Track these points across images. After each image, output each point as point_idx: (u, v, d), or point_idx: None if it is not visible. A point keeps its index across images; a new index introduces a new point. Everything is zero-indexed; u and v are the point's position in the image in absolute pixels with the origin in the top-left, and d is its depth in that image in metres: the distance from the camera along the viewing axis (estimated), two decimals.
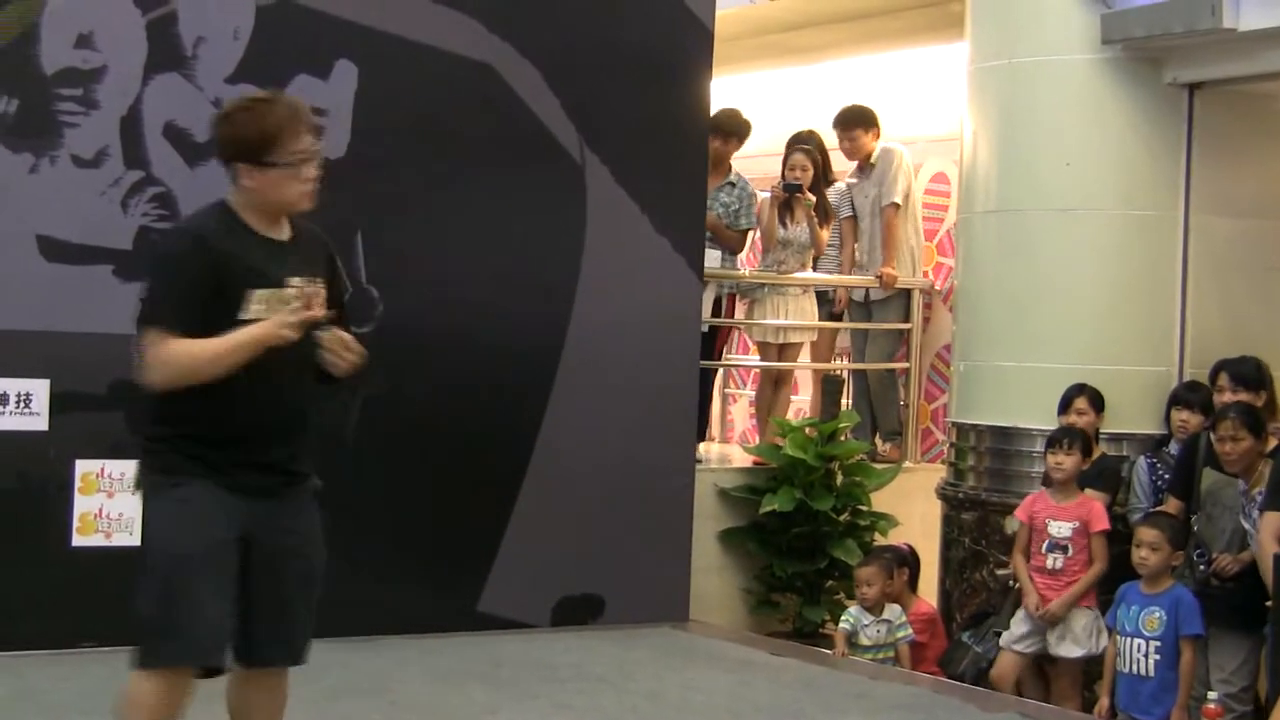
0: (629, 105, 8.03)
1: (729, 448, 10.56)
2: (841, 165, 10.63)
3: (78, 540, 6.98)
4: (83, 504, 6.98)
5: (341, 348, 4.51)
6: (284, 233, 4.60)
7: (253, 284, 4.44)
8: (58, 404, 6.89)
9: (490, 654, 7.34)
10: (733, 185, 9.85)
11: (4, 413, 6.80)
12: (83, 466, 6.97)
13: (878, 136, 10.38)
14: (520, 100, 7.77)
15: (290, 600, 4.63)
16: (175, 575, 4.43)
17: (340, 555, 7.30)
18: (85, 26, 6.87)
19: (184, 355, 4.39)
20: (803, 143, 10.14)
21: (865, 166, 10.40)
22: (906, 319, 10.41)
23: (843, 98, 10.62)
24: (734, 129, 9.89)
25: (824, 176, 10.14)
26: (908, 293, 10.39)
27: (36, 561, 6.87)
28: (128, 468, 6.92)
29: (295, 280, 4.43)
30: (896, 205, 10.22)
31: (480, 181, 7.71)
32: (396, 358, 7.49)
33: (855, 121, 10.36)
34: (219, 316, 4.40)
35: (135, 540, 6.94)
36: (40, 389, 6.86)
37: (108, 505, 7.02)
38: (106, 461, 7.00)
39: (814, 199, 9.92)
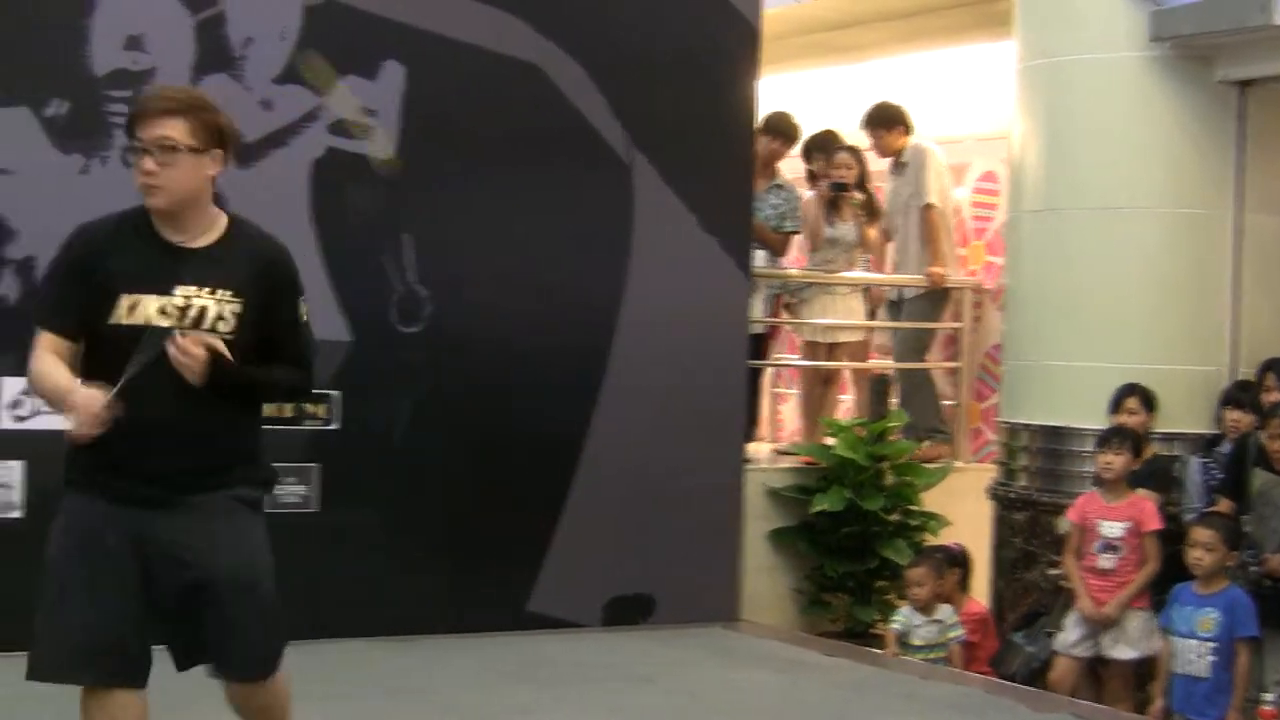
0: (675, 104, 8.02)
1: (778, 446, 10.51)
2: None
3: None
4: None
5: (182, 352, 4.06)
6: (198, 239, 4.23)
7: (126, 288, 4.16)
8: None
9: (540, 654, 7.34)
10: (780, 188, 9.83)
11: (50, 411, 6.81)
12: None
13: (907, 134, 10.32)
14: (566, 100, 7.77)
15: (191, 614, 4.25)
16: (50, 589, 4.22)
17: (391, 555, 7.42)
18: (135, 28, 6.91)
19: (32, 365, 4.23)
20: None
21: (897, 165, 10.35)
22: (935, 317, 10.35)
23: (889, 97, 10.57)
24: (785, 131, 9.88)
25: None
26: (938, 291, 10.32)
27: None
28: None
29: (181, 290, 4.15)
30: (932, 205, 10.18)
31: (527, 182, 7.71)
32: (445, 358, 7.51)
33: (878, 121, 10.31)
34: (94, 318, 4.18)
35: None
36: None
37: None
38: None
39: (861, 197, 9.88)
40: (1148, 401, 8.08)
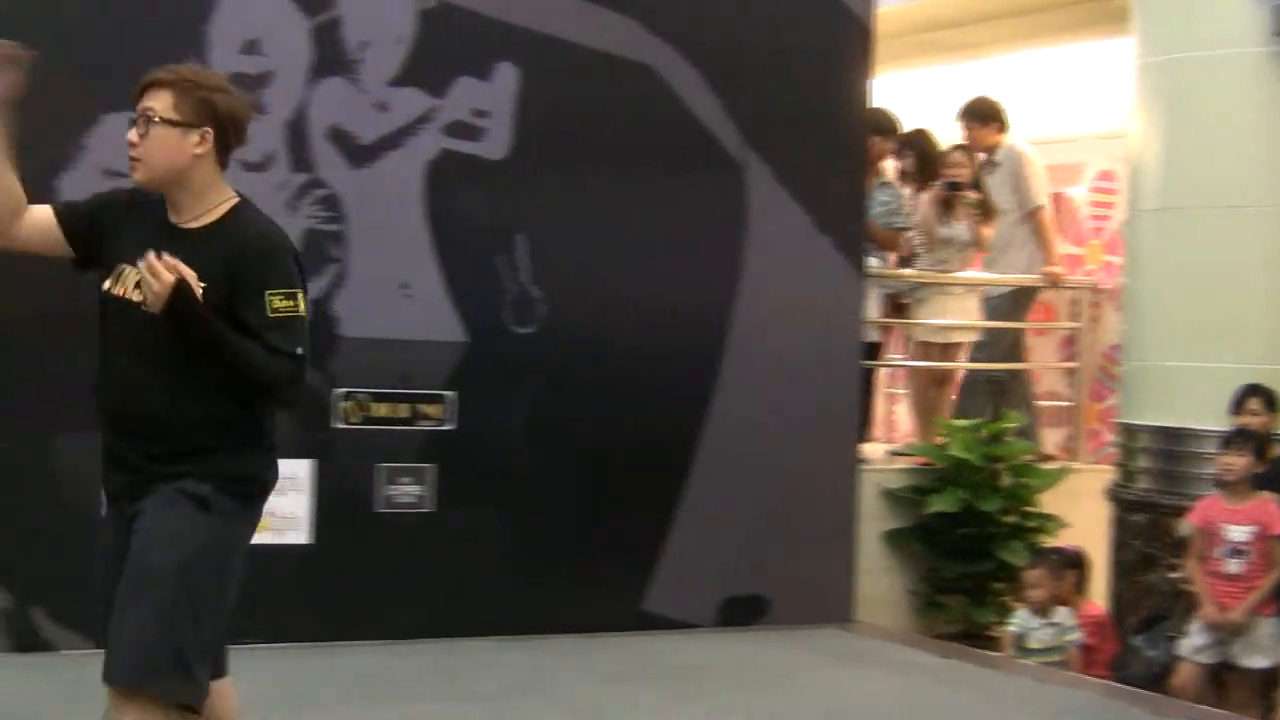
0: (789, 104, 7.99)
1: (893, 447, 10.44)
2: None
3: None
4: None
5: (150, 270, 3.90)
6: (197, 220, 4.12)
7: (118, 257, 4.12)
8: None
9: (653, 654, 7.34)
10: (887, 185, 9.77)
11: None
12: None
13: (1001, 132, 10.21)
14: (680, 101, 7.76)
15: (116, 605, 4.01)
16: None
17: (506, 555, 7.45)
18: (252, 32, 6.98)
19: None
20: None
21: (989, 164, 10.24)
22: (1018, 316, 10.23)
23: (1002, 94, 10.48)
24: (887, 127, 9.81)
25: (926, 174, 9.95)
26: (1023, 291, 10.19)
27: None
28: (297, 467, 7.07)
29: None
30: (1042, 207, 10.09)
31: (640, 182, 7.71)
32: (559, 359, 7.53)
33: (975, 114, 10.21)
34: (92, 249, 4.20)
35: (305, 538, 7.10)
36: None
37: (278, 503, 7.06)
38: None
39: (976, 196, 9.80)
40: (1270, 402, 7.94)
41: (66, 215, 4.25)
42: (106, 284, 4.12)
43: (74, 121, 6.69)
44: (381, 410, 7.30)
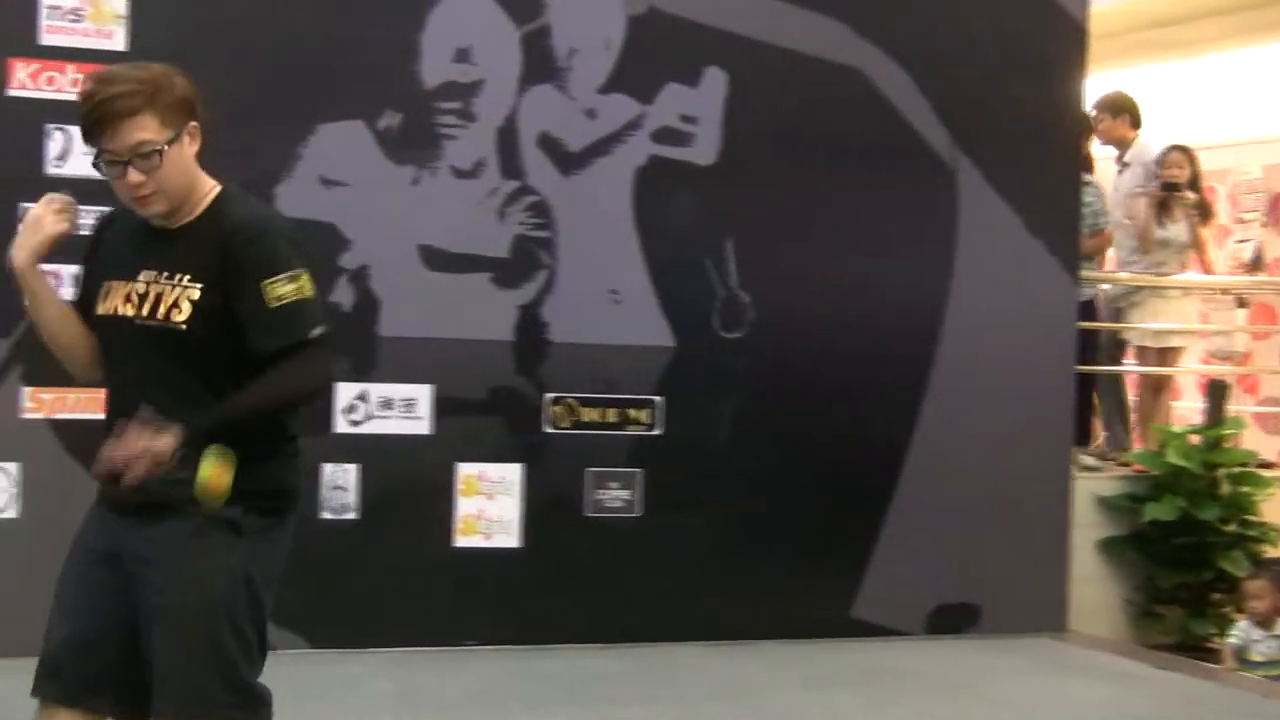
0: (1000, 105, 7.88)
1: (1108, 454, 10.23)
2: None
3: (459, 541, 7.16)
4: (464, 505, 7.16)
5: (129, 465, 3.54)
6: (182, 218, 3.75)
7: (105, 274, 3.78)
8: (440, 408, 7.09)
9: (862, 661, 7.28)
10: (1089, 184, 9.57)
11: (390, 416, 7.03)
12: (464, 469, 7.15)
13: (1134, 129, 9.92)
14: (888, 102, 7.70)
15: (163, 646, 3.68)
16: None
17: (713, 560, 7.44)
18: (463, 41, 7.06)
19: None
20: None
21: (1120, 162, 9.97)
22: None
23: (1222, 93, 10.23)
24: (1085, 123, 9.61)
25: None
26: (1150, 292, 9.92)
27: (421, 561, 7.08)
28: (507, 471, 7.14)
29: (145, 275, 3.69)
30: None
31: (849, 185, 7.66)
32: (767, 364, 7.51)
33: (1109, 106, 9.93)
34: (91, 299, 3.81)
35: (515, 542, 7.17)
36: (424, 394, 7.07)
37: (488, 507, 7.19)
38: (486, 465, 7.17)
39: (1194, 197, 9.58)
40: None
41: (80, 310, 3.87)
42: (97, 309, 3.77)
43: (291, 131, 6.83)
44: (590, 415, 7.34)
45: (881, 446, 7.73)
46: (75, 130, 6.42)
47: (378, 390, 7.03)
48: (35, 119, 6.52)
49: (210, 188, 3.77)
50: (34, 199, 6.50)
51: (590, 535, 7.32)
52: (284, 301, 3.64)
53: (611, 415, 7.36)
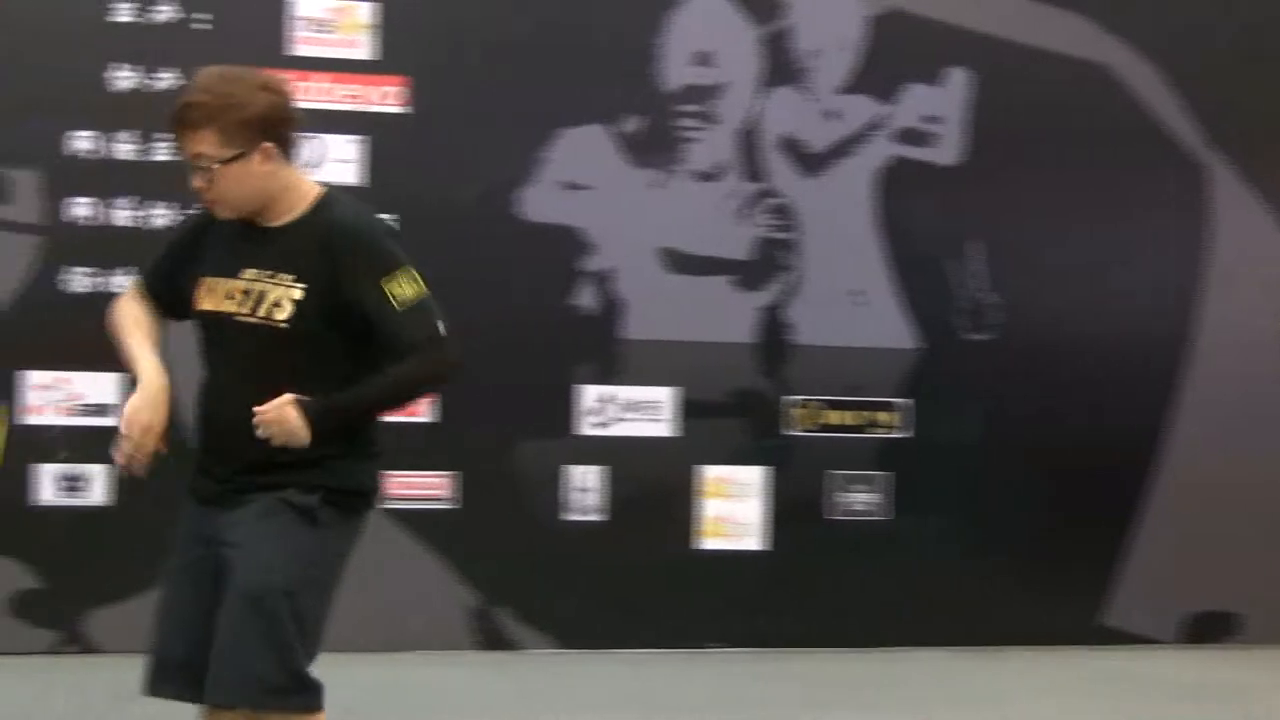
0: (1253, 101, 7.66)
1: None
2: None
3: (704, 544, 7.17)
4: (709, 508, 7.17)
5: (269, 425, 3.66)
6: (281, 219, 3.82)
7: (207, 271, 3.84)
8: (683, 410, 7.11)
9: (1114, 669, 7.11)
10: None
11: (635, 419, 7.07)
12: (707, 472, 7.17)
13: None
14: (1136, 100, 7.53)
15: (223, 624, 3.74)
16: None
17: (961, 565, 7.35)
18: (704, 45, 7.09)
19: (114, 314, 3.97)
20: None
21: None
22: None
23: None
24: None
25: None
26: None
27: (665, 563, 7.11)
28: (750, 474, 7.14)
29: (247, 274, 3.76)
30: None
31: (1097, 184, 7.51)
32: (1014, 366, 7.40)
33: None
34: (185, 294, 3.89)
35: (758, 545, 7.17)
36: (668, 396, 7.10)
37: (732, 510, 7.19)
38: (730, 467, 7.18)
39: None
40: None
41: (157, 293, 3.98)
42: (197, 304, 3.84)
43: (534, 137, 6.92)
44: (834, 418, 7.30)
45: (1130, 450, 7.56)
46: (326, 139, 6.67)
47: (622, 393, 7.08)
48: None
49: (310, 190, 3.83)
50: None
51: (833, 538, 7.29)
52: (407, 300, 3.71)
53: (855, 418, 7.32)
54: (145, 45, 6.47)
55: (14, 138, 6.44)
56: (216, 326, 3.80)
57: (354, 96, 6.75)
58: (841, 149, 7.24)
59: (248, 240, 3.80)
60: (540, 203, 6.95)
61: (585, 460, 7.07)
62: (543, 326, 6.98)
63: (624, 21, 7.02)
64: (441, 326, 3.75)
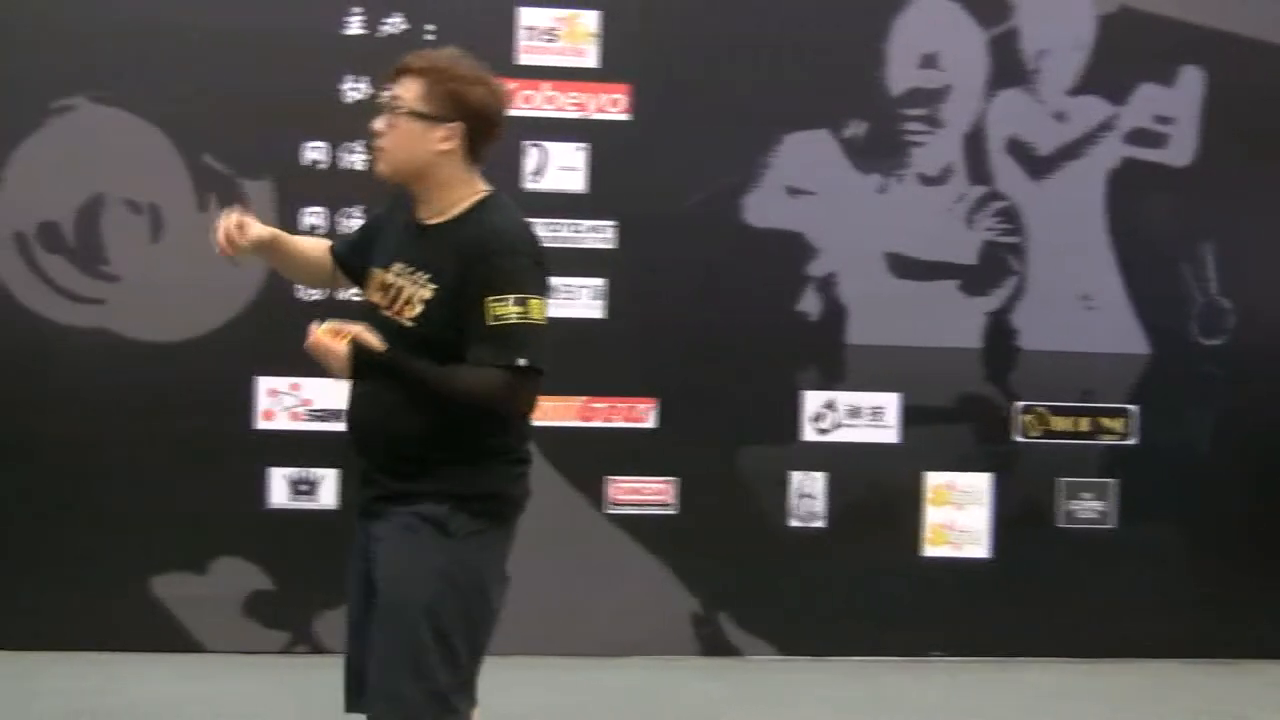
0: None
1: None
2: None
3: (928, 551, 7.11)
4: (933, 515, 7.11)
5: (317, 349, 3.66)
6: (439, 217, 3.81)
7: (373, 261, 3.91)
8: (908, 416, 7.06)
9: None
10: None
11: (857, 424, 7.03)
12: (933, 479, 7.10)
13: None
14: None
15: (372, 641, 3.78)
16: None
17: (1189, 574, 7.19)
18: (929, 47, 7.02)
19: None
20: None
21: None
22: None
23: None
24: None
25: None
26: None
27: (889, 570, 7.06)
28: (977, 480, 7.06)
29: (396, 267, 3.81)
30: None
31: None
32: (1249, 371, 7.23)
33: None
34: (350, 264, 4.05)
35: (985, 553, 7.08)
36: (891, 402, 7.05)
37: (957, 517, 7.11)
38: (956, 474, 7.10)
39: None
40: None
41: (337, 255, 4.10)
42: (364, 293, 3.94)
43: (758, 141, 6.91)
44: (1062, 424, 7.19)
45: None
46: (550, 147, 6.73)
47: (845, 398, 7.04)
48: (513, 136, 6.76)
49: (476, 193, 3.82)
50: None
51: (1062, 547, 7.17)
52: (501, 321, 3.64)
53: (1084, 424, 7.19)
54: (375, 58, 6.58)
55: (250, 149, 6.59)
56: (368, 316, 3.82)
57: (578, 104, 6.80)
58: (1070, 151, 7.12)
59: (406, 233, 3.84)
60: (763, 208, 6.94)
61: (808, 466, 7.04)
62: (765, 332, 6.96)
63: (848, 25, 6.97)
64: (524, 360, 3.65)
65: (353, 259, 4.04)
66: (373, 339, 3.65)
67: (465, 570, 3.74)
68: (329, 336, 3.63)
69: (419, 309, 3.72)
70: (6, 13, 6.54)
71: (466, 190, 3.81)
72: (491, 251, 3.68)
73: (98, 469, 6.62)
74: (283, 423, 6.59)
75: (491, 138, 3.82)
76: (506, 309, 3.64)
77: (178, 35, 6.60)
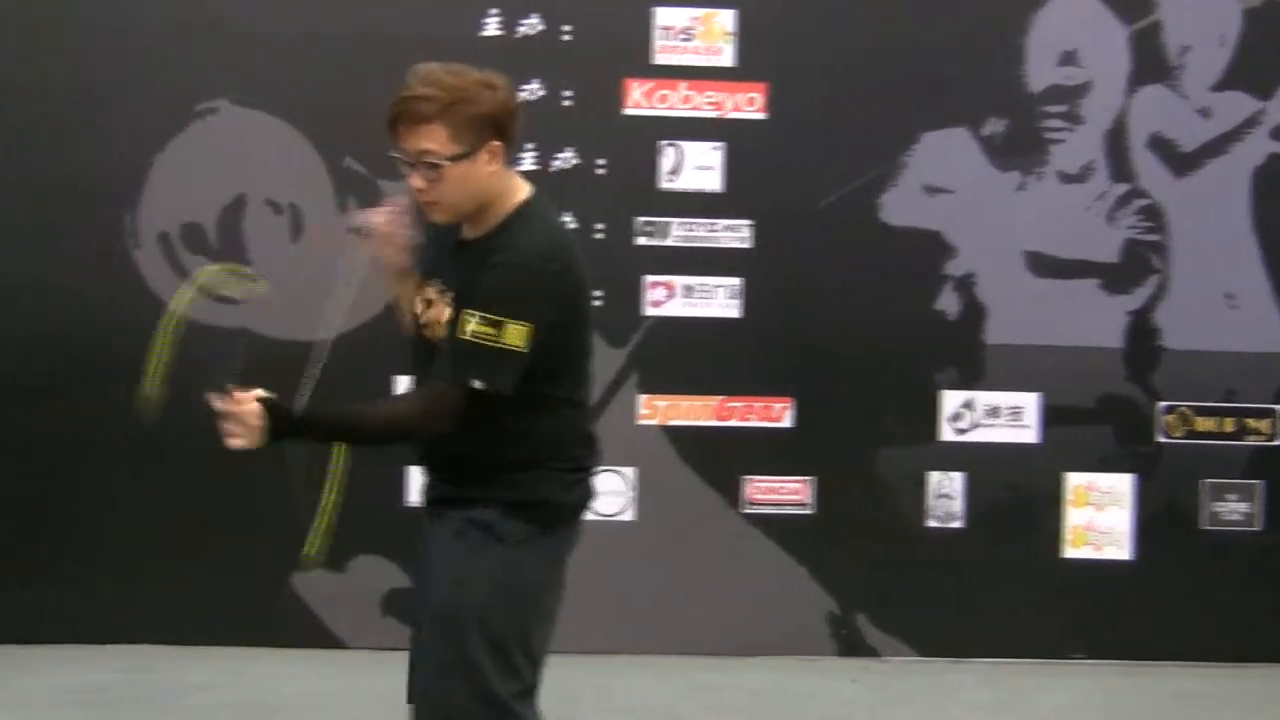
0: None
1: None
2: None
3: (1068, 552, 7.02)
4: (1073, 516, 7.03)
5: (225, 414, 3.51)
6: (480, 230, 3.72)
7: (419, 271, 3.84)
8: (1048, 417, 6.98)
9: None
10: None
11: (996, 424, 6.97)
12: (1073, 479, 7.02)
13: None
14: None
15: (426, 640, 3.80)
16: None
17: None
18: (1070, 43, 6.93)
19: None
20: None
21: None
22: None
23: None
24: None
25: None
26: None
27: (1028, 572, 6.98)
28: (1117, 482, 6.97)
29: (431, 285, 3.74)
30: None
31: None
32: None
33: None
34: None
35: (1126, 555, 6.99)
36: (1030, 402, 6.98)
37: (1097, 518, 7.03)
38: (1096, 475, 7.02)
39: None
40: None
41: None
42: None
43: (895, 140, 6.87)
44: (1206, 424, 7.08)
45: None
46: (687, 146, 6.74)
47: (984, 398, 6.98)
48: (649, 136, 6.79)
49: (515, 198, 3.72)
50: (650, 214, 6.82)
51: (1206, 549, 7.05)
52: (467, 338, 3.53)
53: (1229, 424, 7.07)
54: (512, 59, 6.62)
55: (390, 150, 6.62)
56: (414, 329, 3.81)
57: (714, 104, 6.80)
58: (1214, 148, 7.00)
59: (445, 248, 3.77)
60: (901, 206, 6.89)
61: (946, 466, 6.98)
62: (903, 331, 6.92)
63: (987, 22, 6.90)
64: (478, 383, 3.54)
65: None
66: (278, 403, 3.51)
67: (519, 576, 3.70)
68: (234, 404, 3.46)
69: (441, 331, 3.66)
70: (152, 18, 6.65)
71: (508, 198, 3.72)
72: (495, 264, 3.59)
73: (239, 468, 6.70)
74: None
75: (517, 129, 3.71)
76: (477, 326, 3.54)
77: (317, 39, 6.68)
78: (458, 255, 3.72)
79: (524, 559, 3.70)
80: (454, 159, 3.57)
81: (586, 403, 3.90)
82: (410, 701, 3.87)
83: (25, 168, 6.64)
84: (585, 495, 3.85)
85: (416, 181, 3.61)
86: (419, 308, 3.77)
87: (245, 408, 3.46)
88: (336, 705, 6.09)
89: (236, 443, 3.47)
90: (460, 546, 3.70)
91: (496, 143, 3.62)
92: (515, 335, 3.52)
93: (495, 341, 3.51)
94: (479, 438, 3.63)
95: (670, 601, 6.91)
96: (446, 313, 3.64)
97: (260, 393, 3.49)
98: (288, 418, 3.51)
